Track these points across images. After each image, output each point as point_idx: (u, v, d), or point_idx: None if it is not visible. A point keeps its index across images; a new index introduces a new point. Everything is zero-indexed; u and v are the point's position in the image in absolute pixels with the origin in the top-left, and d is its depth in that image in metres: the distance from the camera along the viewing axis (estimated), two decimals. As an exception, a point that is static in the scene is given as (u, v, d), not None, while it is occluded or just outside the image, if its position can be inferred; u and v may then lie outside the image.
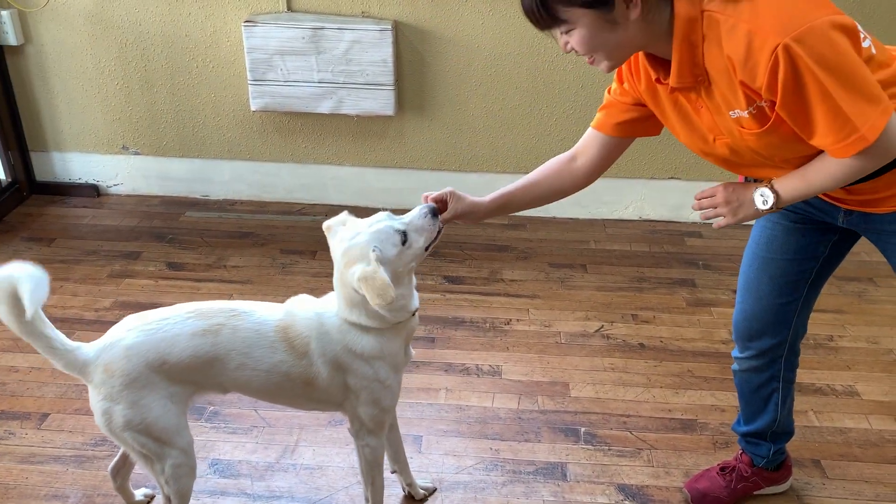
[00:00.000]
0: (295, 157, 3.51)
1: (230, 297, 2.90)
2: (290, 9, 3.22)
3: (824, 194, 1.56)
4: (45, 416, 2.29)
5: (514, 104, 3.35)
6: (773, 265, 1.73)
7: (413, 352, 1.82)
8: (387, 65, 3.17)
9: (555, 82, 3.29)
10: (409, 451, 2.18)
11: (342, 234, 1.63)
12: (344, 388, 1.70)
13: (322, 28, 3.12)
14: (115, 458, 1.89)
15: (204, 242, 3.26)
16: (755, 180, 1.52)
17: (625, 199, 3.50)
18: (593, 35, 1.35)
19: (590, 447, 2.20)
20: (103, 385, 1.60)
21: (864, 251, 3.27)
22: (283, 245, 3.25)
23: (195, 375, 1.64)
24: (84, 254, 3.16)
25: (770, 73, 1.26)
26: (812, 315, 2.89)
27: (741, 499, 2.02)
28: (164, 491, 1.73)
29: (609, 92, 1.67)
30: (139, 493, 2.00)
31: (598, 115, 1.69)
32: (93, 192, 3.62)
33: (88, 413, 2.29)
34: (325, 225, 1.68)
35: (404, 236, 1.61)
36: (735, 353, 1.91)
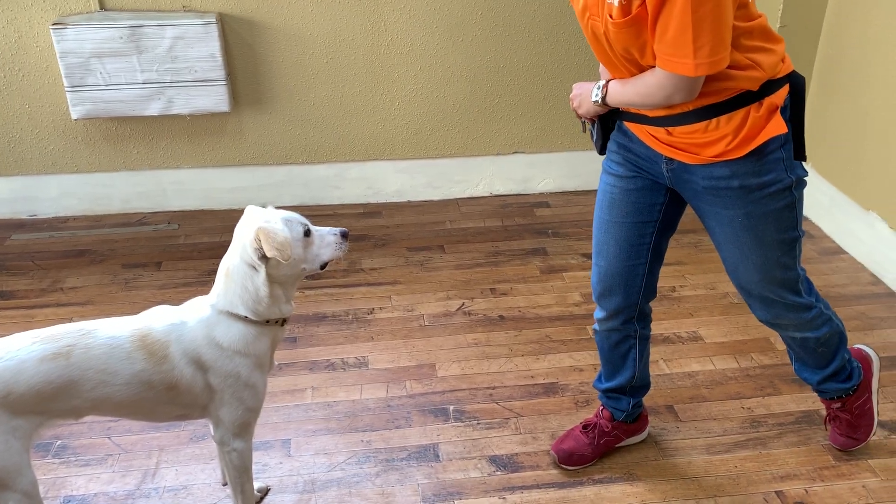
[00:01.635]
0: (128, 164, 3.31)
1: (71, 321, 2.69)
2: (103, 7, 3.02)
3: (651, 135, 1.68)
4: None
5: (355, 91, 3.30)
6: (616, 228, 1.84)
7: (276, 363, 1.79)
8: (216, 59, 3.04)
9: (394, 66, 3.27)
10: (277, 455, 2.13)
11: (250, 216, 1.66)
12: (207, 389, 1.66)
13: (141, 26, 2.94)
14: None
15: (35, 266, 3.02)
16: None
17: (475, 176, 3.56)
18: None
19: (460, 424, 2.23)
20: None
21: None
22: (125, 259, 3.06)
23: (44, 404, 1.54)
24: None
25: None
26: (654, 269, 3.06)
27: (605, 453, 2.12)
28: None
29: None
30: None
31: None
32: None
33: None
34: (247, 209, 1.71)
35: (308, 231, 1.68)
36: (596, 314, 2.00)
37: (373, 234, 3.27)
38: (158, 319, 1.66)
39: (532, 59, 3.33)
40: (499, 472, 2.07)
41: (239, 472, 1.76)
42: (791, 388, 2.35)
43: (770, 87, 1.57)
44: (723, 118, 1.57)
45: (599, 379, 2.11)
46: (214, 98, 3.11)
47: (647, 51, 1.51)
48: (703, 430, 2.21)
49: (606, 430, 2.09)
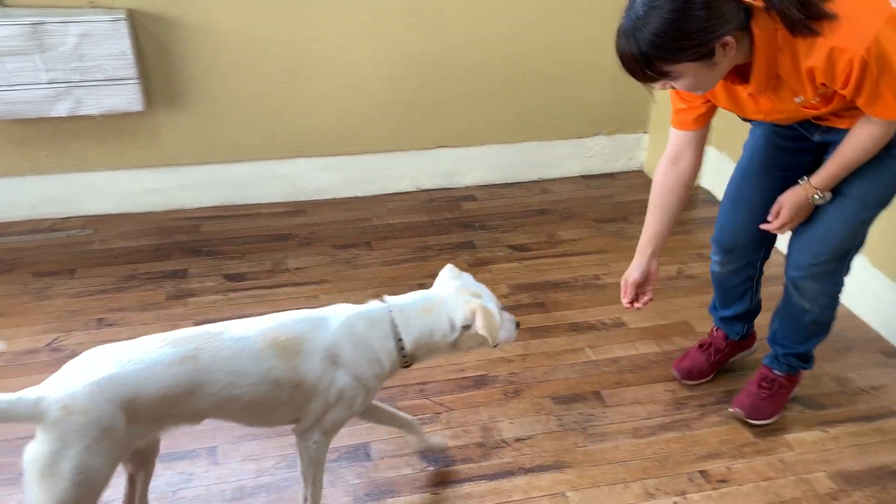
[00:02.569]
0: (35, 168, 3.15)
1: (-23, 334, 2.56)
2: (1, 4, 2.86)
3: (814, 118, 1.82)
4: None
5: (276, 87, 3.24)
6: (763, 177, 2.00)
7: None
8: (126, 58, 2.92)
9: (317, 59, 3.22)
10: (204, 464, 2.07)
11: (451, 277, 1.85)
12: (328, 387, 1.66)
13: (42, 23, 2.80)
14: (126, 492, 1.74)
15: (-63, 278, 2.85)
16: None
17: (400, 171, 3.54)
18: (699, 80, 1.62)
19: (391, 422, 2.22)
20: (58, 425, 1.41)
21: (617, 193, 3.59)
22: (35, 268, 2.92)
23: (167, 408, 1.53)
24: None
25: (844, 76, 1.57)
26: (579, 258, 3.13)
27: (719, 368, 2.36)
28: None
29: (678, 98, 1.90)
30: None
31: (677, 118, 1.93)
32: None
33: None
34: (445, 270, 1.89)
35: (500, 317, 1.78)
36: (713, 255, 2.19)
37: (297, 232, 3.22)
38: (293, 317, 1.69)
39: (455, 54, 3.33)
40: (431, 468, 2.07)
41: (315, 464, 1.78)
42: (711, 370, 2.43)
43: None
44: None
45: (714, 307, 2.33)
46: (126, 97, 3.00)
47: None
48: (629, 415, 2.26)
49: (720, 347, 2.34)
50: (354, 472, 2.05)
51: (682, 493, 1.99)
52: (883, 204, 1.89)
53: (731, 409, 2.23)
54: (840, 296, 2.06)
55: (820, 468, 2.08)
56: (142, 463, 1.74)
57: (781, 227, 1.92)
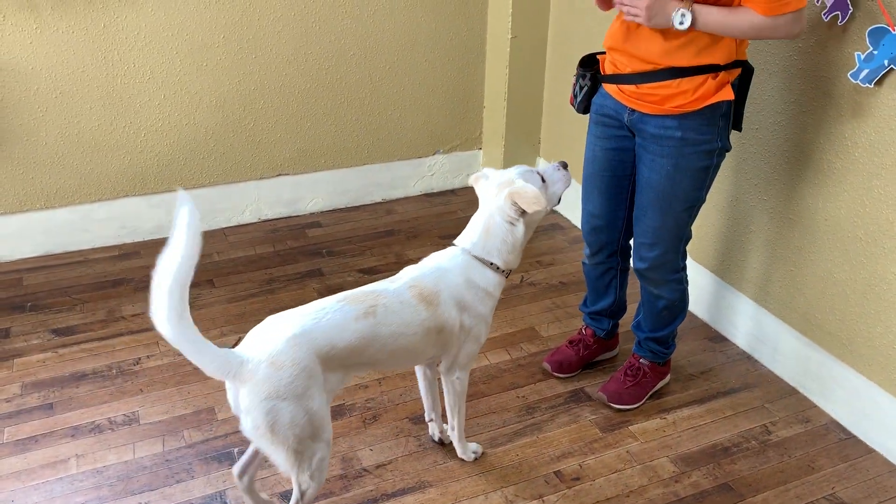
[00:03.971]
0: None
1: None
2: None
3: (620, 90, 2.03)
4: None
5: (93, 125, 3.06)
6: (600, 179, 2.22)
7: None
8: (-84, 103, 2.66)
9: (134, 95, 3.07)
10: (41, 540, 1.91)
11: (488, 181, 1.95)
12: (461, 327, 1.89)
13: None
14: (243, 458, 1.83)
15: None
16: None
17: (240, 203, 3.45)
18: None
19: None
20: (268, 381, 1.56)
21: (459, 209, 3.67)
22: None
23: (353, 358, 1.71)
24: None
25: None
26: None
27: (586, 364, 2.54)
28: (300, 487, 1.70)
29: None
30: (264, 494, 1.93)
31: None
32: None
33: None
34: (472, 178, 2.01)
35: (542, 178, 1.95)
36: (585, 250, 2.40)
37: (132, 276, 3.05)
38: (421, 273, 1.87)
39: (283, 79, 3.29)
40: (483, 446, 2.11)
41: (459, 397, 2.03)
42: (558, 372, 2.54)
43: (731, 64, 1.93)
44: (685, 79, 1.91)
45: (584, 303, 2.54)
46: (-80, 146, 2.72)
47: None
48: (484, 425, 2.31)
49: (589, 343, 2.52)
50: (210, 524, 1.96)
51: (540, 497, 2.06)
52: (698, 198, 2.09)
53: (597, 394, 2.41)
54: (684, 282, 2.28)
55: (662, 454, 2.22)
56: None
57: (631, 13, 1.88)
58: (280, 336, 1.61)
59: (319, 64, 3.32)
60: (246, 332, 2.72)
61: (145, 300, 2.86)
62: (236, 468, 1.86)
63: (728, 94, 1.94)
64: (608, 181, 2.21)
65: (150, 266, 3.07)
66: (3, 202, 3.03)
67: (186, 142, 3.23)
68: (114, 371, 2.51)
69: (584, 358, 2.52)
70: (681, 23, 1.83)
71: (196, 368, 2.49)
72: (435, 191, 3.79)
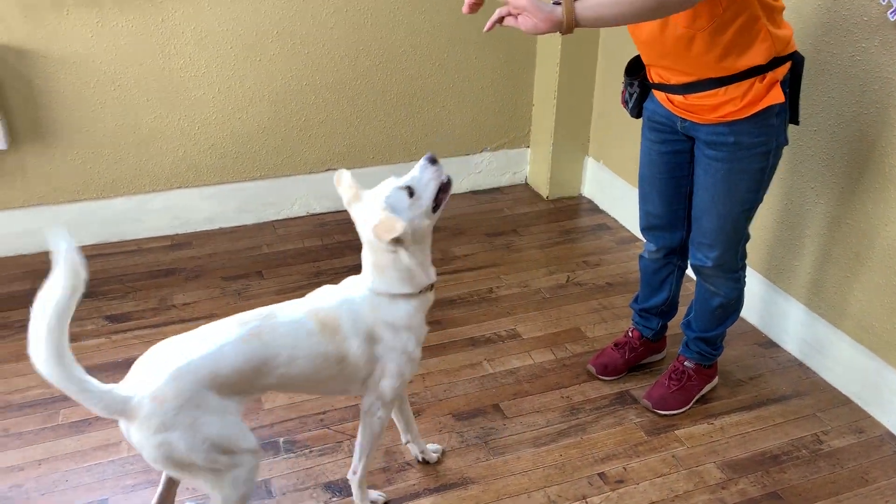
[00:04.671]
0: None
1: None
2: None
3: (669, 100, 1.99)
4: None
5: (149, 117, 3.13)
6: (659, 181, 2.19)
7: (427, 328, 1.89)
8: (-16, 94, 2.75)
9: (190, 89, 3.14)
10: (93, 520, 1.96)
11: (360, 210, 1.75)
12: (371, 360, 1.78)
13: None
14: (158, 491, 1.80)
15: None
16: None
17: (290, 196, 3.49)
18: None
19: (291, 455, 2.17)
20: (153, 416, 1.51)
21: (505, 207, 3.67)
22: None
23: (243, 384, 1.64)
24: None
25: None
26: (471, 273, 3.17)
27: (632, 367, 2.51)
28: (226, 501, 1.64)
29: None
30: None
31: None
32: None
33: None
34: (345, 200, 1.78)
35: (410, 191, 1.73)
36: (646, 246, 2.37)
37: (183, 266, 3.11)
38: (327, 299, 1.78)
39: (334, 75, 3.32)
40: (335, 498, 2.04)
41: (374, 438, 1.89)
42: (603, 373, 2.52)
43: (775, 63, 1.85)
44: (731, 87, 1.85)
45: (636, 300, 2.50)
46: (-14, 136, 2.82)
47: None
48: (528, 424, 2.30)
49: (635, 346, 2.49)
50: (256, 511, 1.99)
51: (584, 498, 2.05)
52: (755, 199, 2.05)
53: (642, 400, 2.37)
54: (742, 280, 2.24)
55: (709, 459, 2.18)
56: None
57: (504, 15, 1.70)
58: (161, 370, 1.55)
59: (370, 59, 3.34)
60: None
61: (196, 289, 2.96)
62: (153, 502, 1.82)
63: (778, 97, 1.86)
64: (666, 182, 2.19)
65: (201, 256, 3.19)
66: (63, 191, 3.12)
67: (239, 135, 3.29)
68: (165, 358, 2.57)
69: (630, 361, 2.50)
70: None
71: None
72: (482, 188, 3.79)
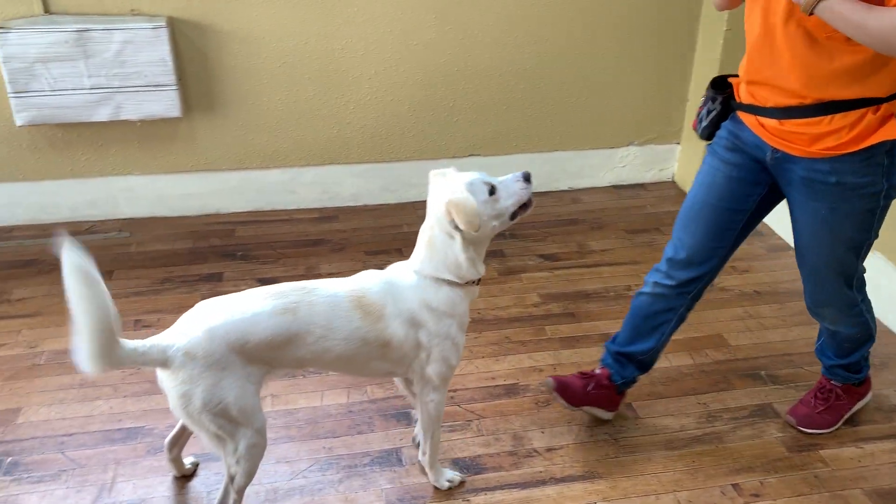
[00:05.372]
0: (76, 171, 3.22)
1: (19, 333, 2.62)
2: (47, 11, 2.93)
3: (761, 125, 1.75)
4: None
5: (309, 94, 3.28)
6: (711, 210, 1.94)
7: (468, 317, 1.90)
8: (166, 64, 2.98)
9: (348, 70, 3.26)
10: (238, 465, 2.09)
11: (440, 184, 1.77)
12: (417, 345, 1.79)
13: (87, 30, 2.87)
14: (174, 431, 1.93)
15: (-20, 277, 2.92)
16: None
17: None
18: None
19: (422, 428, 2.23)
20: (183, 368, 1.62)
21: (648, 204, 3.57)
22: (75, 269, 2.98)
23: (274, 353, 1.69)
24: None
25: None
26: (609, 269, 3.12)
27: (588, 402, 2.17)
28: (229, 471, 1.74)
29: None
30: (187, 461, 2.04)
31: None
32: None
33: None
34: (432, 173, 1.82)
35: (493, 189, 1.74)
36: (650, 276, 2.09)
37: (330, 238, 3.25)
38: (371, 283, 1.79)
39: (485, 62, 3.35)
40: (462, 474, 2.07)
41: (432, 420, 1.92)
42: (744, 383, 2.41)
43: (893, 95, 1.63)
44: (837, 116, 1.63)
45: (614, 340, 2.20)
46: (165, 103, 3.06)
47: None
48: (661, 427, 2.25)
49: (601, 383, 2.17)
50: (386, 477, 2.06)
51: (715, 507, 1.98)
52: (865, 239, 1.83)
53: (786, 416, 2.25)
54: (863, 314, 2.03)
55: (856, 485, 2.05)
56: None
57: None
58: (197, 327, 1.64)
59: (522, 48, 3.35)
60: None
61: (340, 261, 3.08)
62: (168, 439, 1.94)
63: (893, 132, 1.63)
64: (720, 213, 1.93)
65: (346, 230, 3.31)
66: (226, 159, 3.33)
67: (389, 117, 3.38)
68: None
69: (589, 397, 2.15)
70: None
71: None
72: (625, 183, 3.71)
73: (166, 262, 3.04)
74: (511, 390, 2.38)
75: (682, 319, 2.12)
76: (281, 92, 3.25)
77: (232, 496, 1.78)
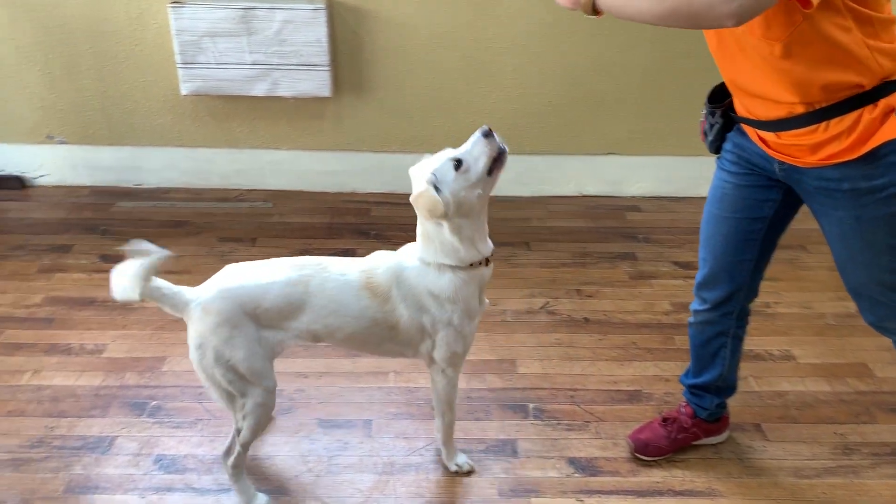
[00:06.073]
0: (230, 141, 3.42)
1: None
2: (218, -12, 3.12)
3: (761, 139, 1.65)
4: (-24, 419, 2.19)
5: (452, 83, 3.32)
6: (725, 223, 1.84)
7: (487, 301, 1.95)
8: (322, 45, 3.11)
9: (493, 61, 3.28)
10: (359, 435, 2.17)
11: (413, 177, 1.81)
12: (421, 330, 1.83)
13: (253, 8, 3.03)
14: (228, 440, 1.93)
15: (138, 233, 3.13)
16: None
17: (565, 175, 3.53)
18: None
19: (539, 423, 2.22)
20: (200, 322, 1.73)
21: (795, 220, 3.38)
22: (221, 233, 3.17)
23: (283, 321, 1.78)
24: (11, 249, 3.02)
25: None
26: (750, 283, 2.96)
27: (680, 448, 2.11)
28: (237, 425, 1.83)
29: None
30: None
31: None
32: (17, 183, 3.46)
33: (23, 414, 2.21)
34: (411, 168, 1.84)
35: (458, 163, 1.74)
36: (693, 305, 2.01)
37: (460, 226, 3.28)
38: (380, 264, 1.84)
39: (633, 59, 3.28)
40: (577, 474, 2.05)
41: (442, 401, 1.95)
42: (889, 419, 2.25)
43: (887, 87, 1.49)
44: (833, 121, 1.51)
45: (687, 374, 2.12)
46: (317, 83, 3.18)
47: None
48: (791, 452, 2.13)
49: (686, 426, 2.10)
50: (501, 466, 2.07)
51: (846, 545, 1.87)
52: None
53: None
54: None
55: None
56: None
57: None
58: (215, 287, 1.76)
59: (670, 46, 3.24)
60: (553, 296, 2.81)
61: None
62: (224, 450, 1.93)
63: (895, 131, 1.48)
64: (736, 224, 1.82)
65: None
66: (367, 141, 3.44)
67: (529, 110, 3.37)
68: (433, 306, 2.75)
69: (679, 442, 2.10)
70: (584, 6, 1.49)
71: (504, 320, 2.67)
72: (769, 196, 3.53)
73: (305, 235, 3.17)
74: (634, 396, 2.33)
75: (738, 340, 2.02)
76: (426, 79, 3.31)
77: (237, 449, 1.86)
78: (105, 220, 3.24)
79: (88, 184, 3.49)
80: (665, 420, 2.12)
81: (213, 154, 3.45)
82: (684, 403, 2.12)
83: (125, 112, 3.35)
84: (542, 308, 2.74)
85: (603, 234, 3.25)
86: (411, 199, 1.77)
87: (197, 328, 1.74)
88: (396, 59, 3.27)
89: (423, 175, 1.76)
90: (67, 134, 3.40)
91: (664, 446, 2.09)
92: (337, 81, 3.28)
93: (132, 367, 2.40)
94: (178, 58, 3.13)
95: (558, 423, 2.22)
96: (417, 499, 1.98)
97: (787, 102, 1.54)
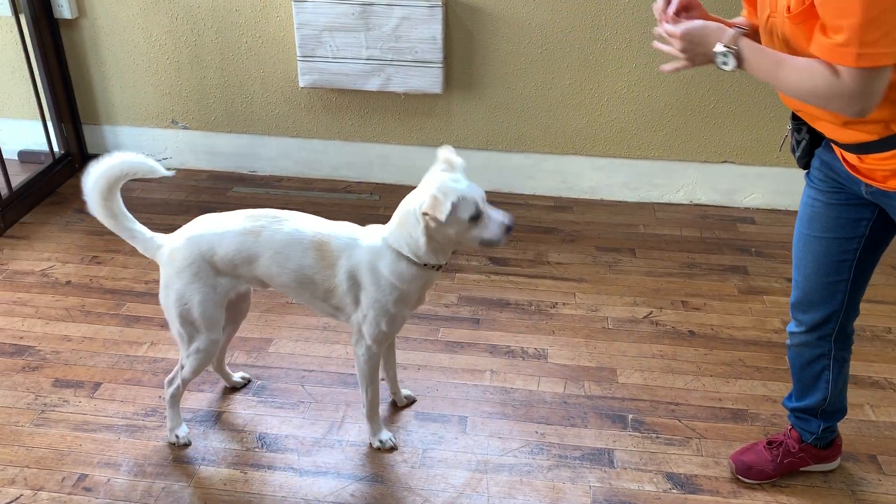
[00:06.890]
0: (341, 134, 3.50)
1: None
2: (339, -16, 3.19)
3: (845, 159, 1.59)
4: (98, 385, 2.33)
5: (564, 84, 3.29)
6: (816, 243, 1.77)
7: (426, 298, 2.05)
8: (436, 42, 3.13)
9: (607, 62, 3.22)
10: (454, 431, 2.18)
11: (437, 174, 1.83)
12: (356, 301, 1.92)
13: (372, 4, 3.09)
14: (173, 371, 2.12)
15: (251, 218, 3.28)
16: None
17: (676, 182, 3.43)
18: None
19: (637, 434, 2.17)
20: (168, 265, 1.92)
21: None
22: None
23: (236, 269, 1.92)
24: (134, 227, 3.20)
25: None
26: (869, 306, 2.83)
27: (787, 473, 2.02)
28: (181, 361, 2.03)
29: None
30: (237, 376, 2.34)
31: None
32: (142, 165, 3.67)
33: (139, 384, 2.33)
34: (443, 156, 1.86)
35: (479, 216, 1.79)
36: (789, 327, 1.93)
37: (562, 228, 3.25)
38: (340, 234, 1.92)
39: (756, 66, 3.14)
40: (675, 490, 1.99)
41: (363, 374, 2.04)
42: None
43: None
44: None
45: (790, 397, 2.03)
46: (429, 79, 3.21)
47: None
48: (910, 487, 2.00)
49: (792, 450, 2.01)
50: (596, 475, 2.04)
51: None
52: None
53: None
54: None
55: None
56: (230, 319, 2.12)
57: (681, 55, 1.58)
58: (183, 235, 1.92)
59: (801, 54, 3.09)
60: (657, 306, 2.74)
61: (570, 252, 3.07)
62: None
63: None
64: (828, 245, 1.74)
65: (579, 222, 3.29)
66: (475, 139, 3.44)
67: (642, 113, 3.30)
68: (533, 307, 2.73)
69: (784, 467, 2.00)
70: (724, 63, 1.49)
71: (605, 327, 2.62)
72: None
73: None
74: (739, 415, 2.24)
75: (842, 363, 1.90)
76: (537, 78, 3.29)
77: (177, 382, 2.06)
78: (221, 203, 3.38)
79: (207, 168, 3.65)
80: (770, 443, 2.04)
81: (324, 145, 3.54)
82: (790, 427, 2.04)
83: (245, 101, 3.49)
84: (645, 318, 2.68)
85: (713, 245, 3.14)
86: (433, 193, 1.75)
87: (165, 270, 1.93)
88: (508, 57, 3.26)
89: (450, 186, 1.77)
90: (190, 120, 3.58)
91: (769, 471, 2.01)
92: (448, 78, 3.31)
93: (240, 346, 2.50)
94: (298, 51, 3.23)
95: (657, 437, 2.16)
96: (509, 500, 1.97)
97: (859, 128, 1.49)
